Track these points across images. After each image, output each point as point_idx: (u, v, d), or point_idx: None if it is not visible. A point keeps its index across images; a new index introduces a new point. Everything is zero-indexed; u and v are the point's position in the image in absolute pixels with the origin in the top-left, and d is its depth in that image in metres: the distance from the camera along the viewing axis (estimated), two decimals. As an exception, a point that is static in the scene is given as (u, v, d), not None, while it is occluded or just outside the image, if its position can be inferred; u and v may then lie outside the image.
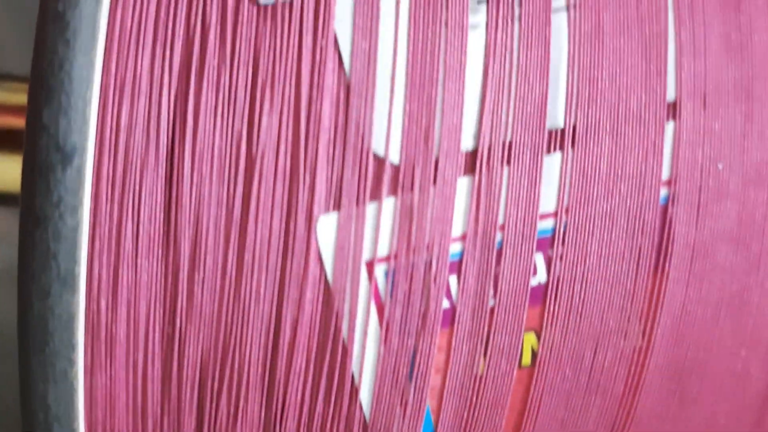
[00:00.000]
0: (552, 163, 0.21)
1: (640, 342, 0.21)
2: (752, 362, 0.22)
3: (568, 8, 0.21)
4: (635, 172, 0.21)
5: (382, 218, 0.20)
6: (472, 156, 0.20)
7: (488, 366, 0.20)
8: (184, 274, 0.20)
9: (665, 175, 0.21)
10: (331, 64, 0.20)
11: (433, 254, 0.20)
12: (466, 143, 0.21)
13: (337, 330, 0.20)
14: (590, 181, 0.21)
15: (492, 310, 0.20)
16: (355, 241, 0.20)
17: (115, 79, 0.19)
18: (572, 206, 0.21)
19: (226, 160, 0.20)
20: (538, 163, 0.20)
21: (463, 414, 0.21)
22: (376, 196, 0.20)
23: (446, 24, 0.20)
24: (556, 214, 0.21)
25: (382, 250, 0.20)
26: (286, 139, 0.20)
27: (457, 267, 0.20)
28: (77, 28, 0.18)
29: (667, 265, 0.21)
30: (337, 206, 0.20)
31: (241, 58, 0.20)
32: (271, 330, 0.20)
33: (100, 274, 0.19)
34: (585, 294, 0.21)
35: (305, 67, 0.20)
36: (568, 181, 0.20)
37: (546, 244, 0.21)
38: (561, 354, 0.21)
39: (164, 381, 0.20)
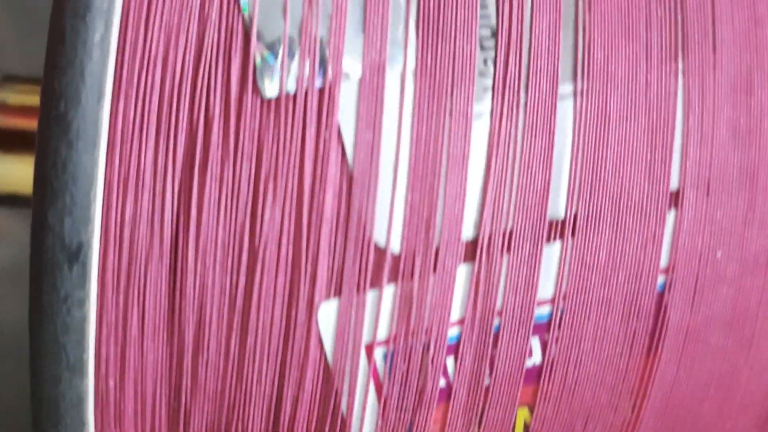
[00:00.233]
0: (551, 252, 0.21)
1: (629, 415, 0.22)
2: None
3: (575, 95, 0.21)
4: (633, 260, 0.21)
5: (382, 304, 0.20)
6: (473, 244, 0.21)
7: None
8: (188, 356, 0.20)
9: (663, 262, 0.21)
10: (334, 156, 0.20)
11: (432, 337, 0.21)
12: (467, 232, 0.21)
13: (336, 406, 0.21)
14: (588, 270, 0.21)
15: (487, 389, 0.21)
16: (355, 326, 0.20)
17: (119, 174, 0.19)
18: (569, 293, 0.21)
19: (229, 251, 0.20)
20: (538, 252, 0.21)
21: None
22: (376, 283, 0.20)
23: (450, 113, 0.20)
24: (553, 300, 0.21)
25: (382, 334, 0.21)
26: (289, 230, 0.20)
27: (455, 349, 0.21)
28: (80, 128, 0.18)
29: (659, 347, 0.21)
30: (338, 293, 0.20)
31: (244, 151, 0.20)
32: (273, 407, 0.21)
33: (107, 357, 0.20)
34: (578, 374, 0.21)
35: (308, 159, 0.20)
36: (566, 269, 0.21)
37: (543, 328, 0.21)
38: (552, 427, 0.22)
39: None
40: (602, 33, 0.21)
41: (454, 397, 0.21)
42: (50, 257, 0.19)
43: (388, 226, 0.20)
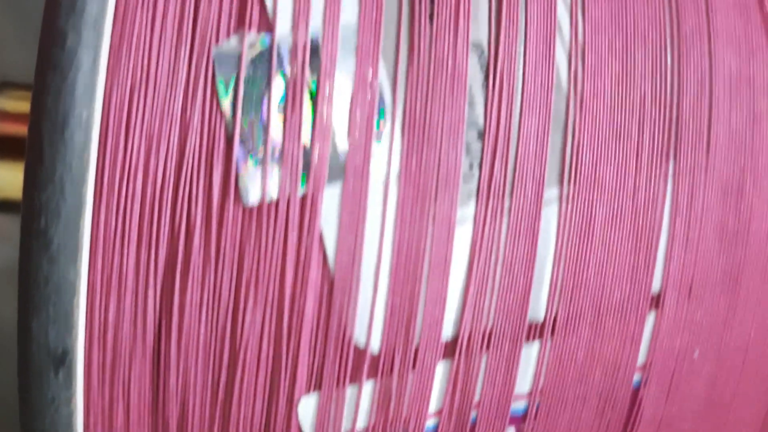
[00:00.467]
0: (530, 350, 0.21)
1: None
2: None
3: (560, 200, 0.20)
4: (611, 359, 0.21)
5: (361, 399, 0.21)
6: (453, 341, 0.21)
7: None
8: (173, 442, 0.21)
9: (640, 360, 0.21)
10: (315, 262, 0.20)
11: (409, 428, 0.21)
12: (447, 332, 0.21)
13: (316, 485, 0.22)
14: (566, 367, 0.21)
15: (463, 472, 0.22)
16: (334, 419, 0.21)
17: (102, 279, 0.20)
18: (546, 389, 0.21)
19: (210, 349, 0.20)
20: (516, 352, 0.21)
21: None
22: (355, 379, 0.21)
23: (434, 219, 0.20)
24: (530, 395, 0.21)
25: (360, 425, 0.21)
26: (270, 331, 0.20)
27: (432, 437, 0.21)
28: (61, 244, 0.18)
29: (633, 436, 0.22)
30: (318, 387, 0.21)
31: (225, 257, 0.20)
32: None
33: (94, 444, 0.21)
34: (552, 460, 0.22)
35: (290, 265, 0.20)
36: (544, 367, 0.21)
37: (519, 419, 0.22)
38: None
39: None
40: (592, 134, 0.21)
41: (431, 479, 0.22)
42: (36, 364, 0.19)
43: (368, 327, 0.20)
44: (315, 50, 0.20)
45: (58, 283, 0.19)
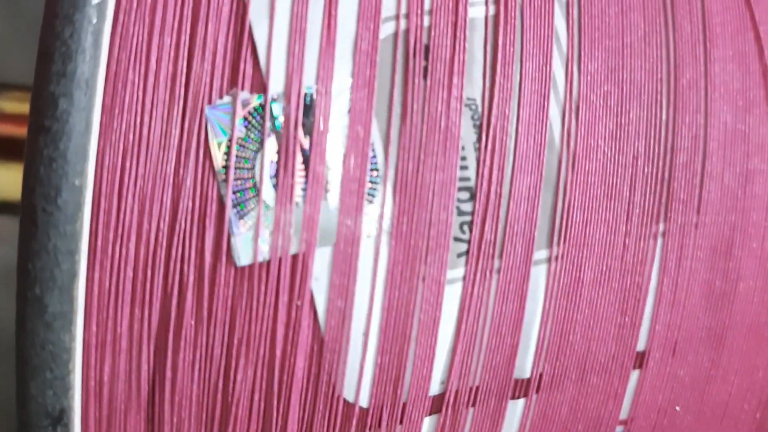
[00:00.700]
0: (515, 406, 0.21)
1: None
2: None
3: (549, 261, 0.20)
4: (594, 414, 0.21)
5: (350, 449, 0.21)
6: (440, 397, 0.21)
7: None
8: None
9: (623, 415, 0.22)
10: (306, 322, 0.20)
11: (397, 474, 0.22)
12: (434, 388, 0.21)
13: None
14: (549, 422, 0.21)
15: None
16: (324, 466, 0.21)
17: (96, 339, 0.20)
18: (531, 440, 0.22)
19: (203, 405, 0.20)
20: (502, 407, 0.21)
21: None
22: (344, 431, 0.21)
23: (423, 279, 0.20)
24: (515, 445, 0.22)
25: (350, 472, 0.22)
26: (261, 388, 0.20)
27: (419, 482, 0.22)
28: (57, 311, 0.19)
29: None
30: (309, 439, 0.21)
31: (217, 317, 0.20)
32: None
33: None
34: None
35: (280, 325, 0.20)
36: (528, 422, 0.21)
37: (504, 467, 0.22)
38: None
39: None
40: (584, 194, 0.21)
41: None
42: (35, 423, 0.19)
43: (357, 384, 0.21)
44: (308, 109, 0.20)
45: (55, 349, 0.19)
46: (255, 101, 0.20)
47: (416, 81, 0.20)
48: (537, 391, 0.21)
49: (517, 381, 0.21)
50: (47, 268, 0.19)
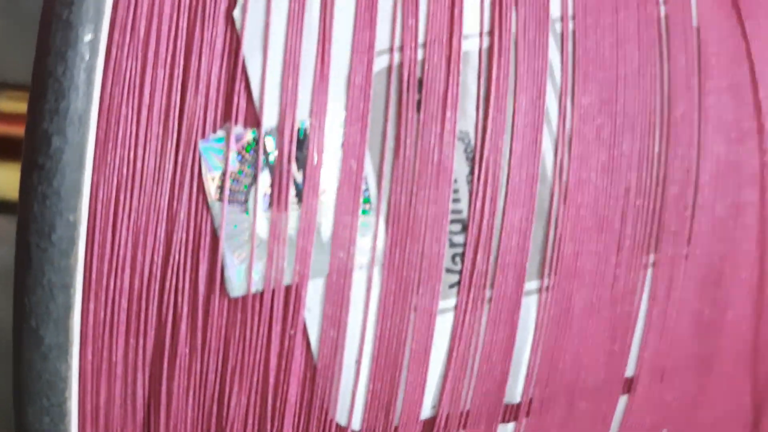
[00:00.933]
0: (505, 430, 0.22)
1: None
2: None
3: (540, 291, 0.21)
4: (583, 437, 0.22)
5: (342, 469, 0.22)
6: (431, 420, 0.21)
7: None
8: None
9: (611, 437, 0.22)
10: (299, 350, 0.20)
11: (388, 492, 0.22)
12: (426, 412, 0.21)
13: None
14: (539, 444, 0.22)
15: None
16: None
17: (92, 368, 0.20)
18: (520, 461, 0.22)
19: (198, 429, 0.21)
20: (492, 431, 0.21)
21: None
22: (337, 452, 0.21)
23: (415, 309, 0.20)
24: (504, 467, 0.22)
25: (341, 490, 0.22)
26: (254, 413, 0.21)
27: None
28: (52, 343, 0.19)
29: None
30: (301, 459, 0.21)
31: (211, 346, 0.20)
32: None
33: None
34: None
35: (273, 354, 0.20)
36: (518, 445, 0.22)
37: (492, 486, 0.22)
38: None
39: None
40: (575, 226, 0.21)
41: None
42: (31, 447, 0.20)
43: (349, 410, 0.21)
44: (301, 144, 0.20)
45: (51, 378, 0.19)
46: (248, 136, 0.20)
47: (410, 114, 0.20)
48: (527, 415, 0.22)
49: (507, 405, 0.21)
50: (42, 303, 0.19)
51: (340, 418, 0.21)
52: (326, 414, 0.21)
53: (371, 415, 0.21)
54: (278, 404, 0.21)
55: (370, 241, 0.20)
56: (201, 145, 0.20)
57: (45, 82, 0.19)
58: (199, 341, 0.20)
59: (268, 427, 0.21)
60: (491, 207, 0.21)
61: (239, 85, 0.20)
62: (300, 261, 0.20)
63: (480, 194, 0.20)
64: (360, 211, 0.20)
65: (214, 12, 0.20)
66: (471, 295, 0.21)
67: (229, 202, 0.20)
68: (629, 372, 0.22)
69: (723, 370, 0.22)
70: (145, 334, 0.20)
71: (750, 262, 0.22)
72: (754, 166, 0.21)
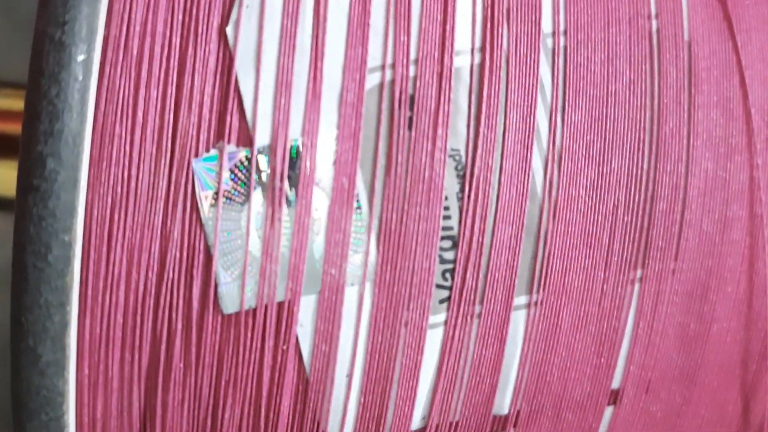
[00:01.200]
0: (494, 440, 0.22)
1: None
2: None
3: (528, 306, 0.21)
4: (570, 446, 0.22)
5: (334, 477, 0.22)
6: (421, 431, 0.22)
7: None
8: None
9: (598, 446, 0.22)
10: (291, 365, 0.21)
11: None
12: (416, 423, 0.22)
13: None
14: (527, 453, 0.22)
15: None
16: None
17: (89, 383, 0.20)
18: (509, 470, 0.22)
19: (193, 439, 0.21)
20: (481, 441, 0.22)
21: None
22: (329, 463, 0.22)
23: (406, 325, 0.21)
24: (493, 476, 0.22)
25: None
26: (248, 427, 0.21)
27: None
28: (50, 360, 0.19)
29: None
30: (294, 469, 0.22)
31: (205, 361, 0.20)
32: None
33: None
34: None
35: (266, 369, 0.20)
36: (507, 454, 0.22)
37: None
38: None
39: None
40: (564, 242, 0.21)
41: None
42: (29, 459, 0.20)
43: (341, 421, 0.21)
44: (294, 162, 0.20)
45: (49, 393, 0.20)
46: (241, 154, 0.20)
47: (401, 132, 0.20)
48: (514, 426, 0.22)
49: (495, 417, 0.22)
50: (39, 321, 0.19)
51: (332, 430, 0.22)
52: (318, 427, 0.21)
53: (362, 427, 0.22)
54: (271, 417, 0.21)
55: (361, 257, 0.21)
56: (194, 163, 0.20)
57: (39, 104, 0.19)
58: (193, 356, 0.21)
59: (262, 438, 0.22)
60: (481, 224, 0.21)
61: (232, 104, 0.20)
62: (292, 278, 0.20)
63: (470, 211, 0.21)
64: (352, 228, 0.21)
65: (207, 29, 0.20)
66: (461, 311, 0.21)
67: (222, 220, 0.20)
68: (615, 384, 0.22)
69: (707, 381, 0.22)
70: (141, 349, 0.21)
71: (736, 277, 0.22)
72: (742, 181, 0.22)
